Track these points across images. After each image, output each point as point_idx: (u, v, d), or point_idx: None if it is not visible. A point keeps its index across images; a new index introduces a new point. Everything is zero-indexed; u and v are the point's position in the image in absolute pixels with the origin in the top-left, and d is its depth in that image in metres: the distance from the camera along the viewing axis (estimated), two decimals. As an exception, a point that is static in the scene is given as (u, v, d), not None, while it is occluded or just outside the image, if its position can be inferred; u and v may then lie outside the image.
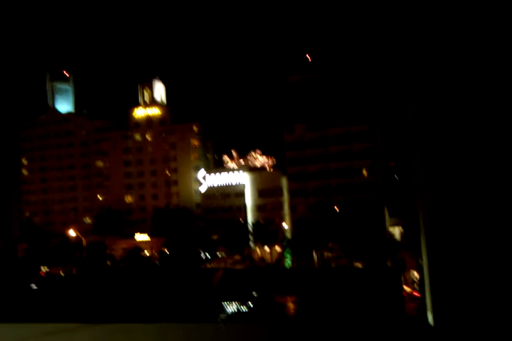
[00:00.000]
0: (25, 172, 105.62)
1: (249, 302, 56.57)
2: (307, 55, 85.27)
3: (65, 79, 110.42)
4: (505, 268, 2.60)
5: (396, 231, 65.34)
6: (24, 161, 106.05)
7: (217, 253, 73.36)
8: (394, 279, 46.80)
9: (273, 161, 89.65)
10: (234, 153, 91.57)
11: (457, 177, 2.70)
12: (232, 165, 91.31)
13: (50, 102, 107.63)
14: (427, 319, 2.74)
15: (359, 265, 58.27)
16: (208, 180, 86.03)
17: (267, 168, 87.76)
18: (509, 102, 2.67)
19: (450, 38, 2.73)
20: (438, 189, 2.73)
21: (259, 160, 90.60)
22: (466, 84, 2.72)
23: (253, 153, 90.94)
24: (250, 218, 79.15)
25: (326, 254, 64.39)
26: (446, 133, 2.73)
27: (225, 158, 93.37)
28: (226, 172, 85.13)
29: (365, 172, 73.36)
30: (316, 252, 64.91)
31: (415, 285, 45.58)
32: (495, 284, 2.60)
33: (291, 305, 54.67)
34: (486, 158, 2.67)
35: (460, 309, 2.62)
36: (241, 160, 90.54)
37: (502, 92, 2.68)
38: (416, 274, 46.52)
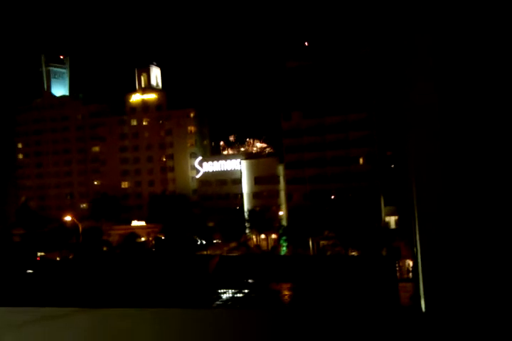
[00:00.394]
0: (20, 156, 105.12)
1: (245, 289, 57.13)
2: (305, 42, 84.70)
3: (60, 63, 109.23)
4: (498, 257, 2.63)
5: (392, 220, 65.87)
6: (19, 145, 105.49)
7: (213, 240, 73.76)
8: (388, 267, 47.31)
9: (270, 148, 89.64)
10: (231, 140, 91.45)
11: (452, 164, 2.72)
12: (228, 151, 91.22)
13: (45, 86, 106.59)
14: (420, 306, 2.76)
15: (354, 253, 58.82)
16: (204, 167, 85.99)
17: (264, 155, 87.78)
18: (507, 93, 2.66)
19: (448, 30, 2.75)
20: (432, 176, 2.74)
21: (256, 146, 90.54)
22: (464, 73, 2.74)
23: (250, 140, 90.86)
24: (246, 205, 79.40)
25: (322, 242, 64.91)
26: (442, 121, 2.73)
27: (222, 144, 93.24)
28: (223, 160, 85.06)
29: (361, 160, 73.52)
30: (312, 240, 65.38)
31: (410, 274, 46.15)
32: (487, 272, 2.63)
33: (286, 292, 55.25)
34: (482, 146, 2.68)
35: (452, 296, 2.65)
36: (238, 147, 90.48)
37: (500, 81, 2.68)
38: (411, 263, 47.06)
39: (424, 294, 2.76)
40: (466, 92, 2.72)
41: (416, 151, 2.81)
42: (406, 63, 2.79)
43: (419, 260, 2.82)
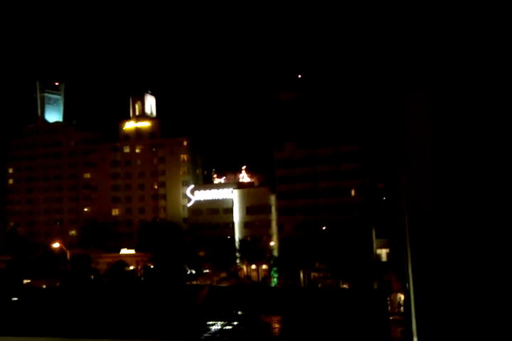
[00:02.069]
0: (11, 181, 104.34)
1: (234, 321, 56.21)
2: (299, 75, 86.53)
3: (55, 89, 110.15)
4: (493, 295, 2.56)
5: (383, 253, 65.67)
6: (10, 170, 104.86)
7: (204, 270, 72.90)
8: (380, 301, 46.94)
9: (261, 178, 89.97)
10: (223, 171, 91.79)
11: (446, 199, 2.65)
12: (220, 180, 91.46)
13: (39, 112, 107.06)
14: None
15: (346, 286, 58.31)
16: (196, 195, 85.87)
17: (256, 184, 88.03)
18: (502, 110, 2.62)
19: (444, 61, 2.72)
20: (426, 211, 2.66)
21: (247, 177, 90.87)
22: (458, 105, 2.69)
23: (242, 170, 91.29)
24: (238, 235, 78.96)
25: (313, 274, 64.38)
26: (435, 154, 2.67)
27: (214, 173, 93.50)
28: (215, 188, 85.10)
29: (353, 192, 73.93)
30: (303, 272, 64.85)
31: (401, 309, 45.77)
32: (482, 310, 2.57)
33: (276, 325, 54.43)
34: (477, 181, 2.61)
35: (445, 333, 2.59)
36: (230, 177, 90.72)
37: (494, 104, 2.64)
38: (402, 297, 46.74)
39: (417, 331, 2.68)
40: (460, 124, 2.66)
41: (409, 185, 2.73)
42: (399, 96, 2.75)
43: (412, 296, 2.73)
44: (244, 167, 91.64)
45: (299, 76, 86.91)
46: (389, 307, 47.41)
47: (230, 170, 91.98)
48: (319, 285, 61.30)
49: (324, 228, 69.02)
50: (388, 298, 48.73)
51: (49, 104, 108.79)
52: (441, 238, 2.64)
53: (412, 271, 2.71)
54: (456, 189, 2.65)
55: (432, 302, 2.64)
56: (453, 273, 2.62)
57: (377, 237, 67.67)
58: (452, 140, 2.68)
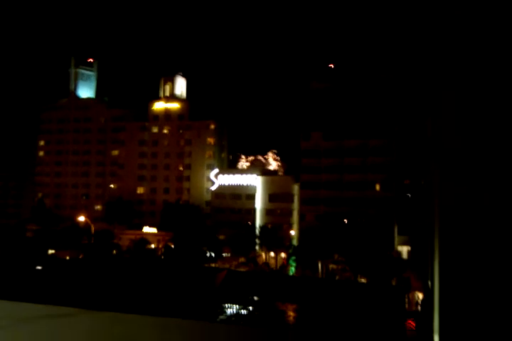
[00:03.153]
0: (41, 153, 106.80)
1: (250, 306, 57.07)
2: (331, 65, 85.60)
3: (89, 66, 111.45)
4: None
5: (404, 250, 65.44)
6: (41, 143, 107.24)
7: (223, 253, 73.93)
8: (398, 298, 47.08)
9: (286, 167, 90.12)
10: (248, 156, 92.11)
11: (479, 206, 2.63)
12: (245, 165, 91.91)
13: (72, 87, 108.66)
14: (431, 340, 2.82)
15: (363, 280, 58.50)
16: (219, 180, 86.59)
17: (280, 173, 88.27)
18: None
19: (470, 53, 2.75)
20: (458, 207, 2.65)
21: (272, 164, 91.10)
22: (489, 96, 2.70)
23: (268, 156, 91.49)
24: (258, 221, 79.61)
25: (331, 266, 64.68)
26: (469, 150, 2.67)
27: (239, 158, 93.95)
28: (239, 174, 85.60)
29: (378, 186, 73.50)
30: (321, 263, 65.20)
31: (418, 307, 45.87)
32: (506, 310, 2.59)
33: (291, 313, 55.13)
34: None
35: (467, 334, 2.61)
36: (255, 162, 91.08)
37: None
38: (420, 296, 46.78)
39: (440, 329, 2.71)
40: (493, 127, 2.66)
41: (442, 184, 2.71)
42: (431, 89, 2.83)
43: (436, 294, 2.80)
44: (270, 153, 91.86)
45: (331, 66, 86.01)
46: (406, 305, 47.53)
47: (255, 155, 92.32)
48: (337, 278, 61.60)
49: (346, 221, 69.03)
50: (406, 296, 48.80)
51: (82, 79, 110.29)
52: (472, 239, 2.63)
53: (440, 270, 2.72)
54: (488, 189, 2.62)
55: (457, 301, 2.64)
56: (480, 275, 2.62)
57: (399, 234, 67.36)
58: (485, 141, 2.67)
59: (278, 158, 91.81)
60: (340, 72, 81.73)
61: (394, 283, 54.42)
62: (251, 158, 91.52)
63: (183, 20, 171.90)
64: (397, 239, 67.05)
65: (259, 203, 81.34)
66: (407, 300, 48.39)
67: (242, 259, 71.88)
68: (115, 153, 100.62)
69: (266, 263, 71.95)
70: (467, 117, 2.75)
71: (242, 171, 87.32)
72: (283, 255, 73.79)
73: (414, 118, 67.74)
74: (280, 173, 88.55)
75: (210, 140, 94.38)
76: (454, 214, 2.69)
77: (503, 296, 2.60)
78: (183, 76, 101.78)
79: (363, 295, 48.58)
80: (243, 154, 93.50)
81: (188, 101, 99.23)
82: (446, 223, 2.70)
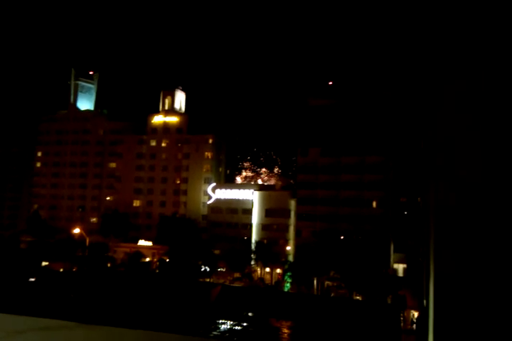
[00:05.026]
0: (38, 165, 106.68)
1: (244, 322, 56.59)
2: (330, 82, 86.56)
3: (89, 78, 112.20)
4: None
5: (400, 268, 65.21)
6: (39, 154, 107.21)
7: (218, 268, 73.49)
8: (393, 316, 46.81)
9: (283, 182, 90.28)
10: (246, 170, 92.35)
11: (476, 212, 2.65)
12: (242, 180, 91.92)
13: (71, 99, 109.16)
14: None
15: (359, 297, 58.15)
16: (216, 194, 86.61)
17: (277, 188, 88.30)
18: None
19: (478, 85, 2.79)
20: (453, 225, 2.66)
21: (270, 179, 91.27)
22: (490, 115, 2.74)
23: (264, 172, 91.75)
24: (254, 236, 79.36)
25: (327, 283, 64.34)
26: (468, 170, 2.69)
27: (237, 173, 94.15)
28: (236, 188, 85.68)
29: (374, 203, 73.62)
30: (317, 279, 64.86)
31: (414, 326, 45.54)
32: (500, 328, 2.59)
33: (285, 330, 54.69)
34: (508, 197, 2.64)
35: None
36: (252, 177, 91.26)
37: None
38: (416, 314, 46.51)
39: None
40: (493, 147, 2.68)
41: (438, 203, 2.73)
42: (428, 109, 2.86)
43: (431, 313, 2.81)
44: (266, 169, 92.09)
45: (330, 83, 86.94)
46: (401, 324, 47.23)
47: (252, 170, 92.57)
48: (332, 295, 61.16)
49: (342, 237, 68.89)
50: (401, 314, 48.50)
51: (82, 92, 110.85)
52: (467, 257, 2.63)
53: (435, 289, 2.74)
54: (484, 208, 2.64)
55: (452, 320, 2.63)
56: (475, 294, 2.60)
57: (395, 252, 67.23)
58: (480, 160, 2.68)
59: (273, 174, 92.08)
60: (339, 89, 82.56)
61: (389, 301, 54.14)
62: (247, 173, 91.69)
63: (185, 34, 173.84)
64: (393, 256, 66.88)
65: (255, 218, 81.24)
66: (402, 318, 48.09)
67: (237, 274, 71.47)
68: (112, 165, 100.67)
69: (261, 279, 71.52)
70: (460, 136, 2.81)
71: (239, 186, 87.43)
72: (278, 271, 73.42)
73: (411, 136, 68.26)
74: (277, 188, 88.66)
75: (208, 154, 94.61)
76: (449, 233, 2.72)
77: (497, 315, 2.61)
78: (182, 90, 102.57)
79: (358, 313, 48.31)
80: (240, 170, 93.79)
81: (187, 115, 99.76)
82: (441, 241, 2.73)
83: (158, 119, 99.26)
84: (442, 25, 2.90)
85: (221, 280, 70.81)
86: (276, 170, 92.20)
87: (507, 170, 2.69)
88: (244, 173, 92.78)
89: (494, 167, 2.71)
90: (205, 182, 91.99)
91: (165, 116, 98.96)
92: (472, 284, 2.66)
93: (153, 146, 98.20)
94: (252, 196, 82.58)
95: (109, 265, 77.66)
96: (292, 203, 79.60)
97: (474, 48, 2.82)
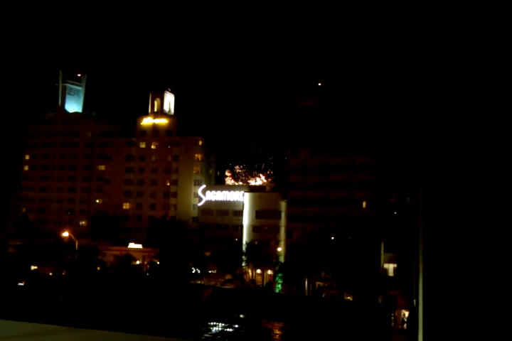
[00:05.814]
0: (26, 168, 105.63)
1: (235, 324, 56.47)
2: (319, 83, 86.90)
3: (77, 80, 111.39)
4: (505, 316, 2.64)
5: (390, 268, 65.56)
6: (27, 157, 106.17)
7: (209, 270, 73.29)
8: (384, 316, 47.01)
9: (273, 183, 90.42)
10: (236, 171, 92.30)
11: (464, 211, 2.70)
12: (232, 182, 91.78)
13: (59, 101, 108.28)
14: None
15: (350, 298, 58.32)
16: (207, 196, 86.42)
17: (267, 190, 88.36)
18: None
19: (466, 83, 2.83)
20: (442, 225, 2.70)
21: (261, 180, 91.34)
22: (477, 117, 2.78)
23: (255, 173, 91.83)
24: (245, 238, 79.30)
25: (318, 283, 64.46)
26: (457, 169, 2.74)
27: (227, 174, 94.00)
28: (226, 190, 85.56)
29: (364, 204, 73.93)
30: (308, 280, 64.95)
31: (404, 325, 45.75)
32: (489, 327, 2.63)
33: (277, 331, 54.67)
34: (497, 202, 2.68)
35: None
36: (242, 178, 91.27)
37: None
38: (406, 313, 46.73)
39: None
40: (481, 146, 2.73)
41: (427, 202, 2.77)
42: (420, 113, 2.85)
43: (421, 312, 2.75)
44: (257, 171, 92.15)
45: (319, 84, 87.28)
46: (392, 323, 47.42)
47: (242, 172, 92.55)
48: (323, 295, 61.27)
49: (333, 238, 69.09)
50: (392, 314, 48.71)
51: (70, 94, 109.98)
52: (456, 257, 2.67)
53: (424, 288, 2.75)
54: (472, 208, 2.68)
55: (442, 319, 2.68)
56: (465, 292, 2.65)
57: (385, 251, 67.58)
58: (468, 162, 2.73)
59: (263, 176, 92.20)
60: (328, 90, 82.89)
61: (380, 301, 54.35)
62: (238, 178, 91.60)
63: (173, 36, 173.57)
64: (383, 256, 67.22)
65: (246, 219, 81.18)
66: (393, 317, 48.29)
67: (228, 276, 71.34)
68: (101, 168, 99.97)
69: (252, 280, 71.46)
70: (448, 137, 2.85)
71: (230, 187, 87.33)
72: (270, 272, 73.40)
73: (400, 136, 68.69)
74: (267, 190, 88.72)
75: (198, 156, 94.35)
76: (438, 233, 2.75)
77: (485, 313, 2.64)
78: (171, 92, 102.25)
79: (349, 313, 48.44)
80: (231, 171, 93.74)
81: (177, 117, 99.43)
82: (430, 241, 2.76)
83: (147, 121, 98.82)
84: (429, 27, 2.94)
85: (212, 283, 70.60)
86: (265, 172, 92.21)
87: (494, 170, 2.72)
88: (228, 174, 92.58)
89: (481, 168, 2.74)
90: (195, 184, 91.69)
91: (154, 118, 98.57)
92: (461, 283, 2.69)
93: (142, 148, 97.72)
94: (242, 198, 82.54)
95: (98, 268, 77.10)
96: (283, 204, 79.70)
97: (461, 50, 2.87)
